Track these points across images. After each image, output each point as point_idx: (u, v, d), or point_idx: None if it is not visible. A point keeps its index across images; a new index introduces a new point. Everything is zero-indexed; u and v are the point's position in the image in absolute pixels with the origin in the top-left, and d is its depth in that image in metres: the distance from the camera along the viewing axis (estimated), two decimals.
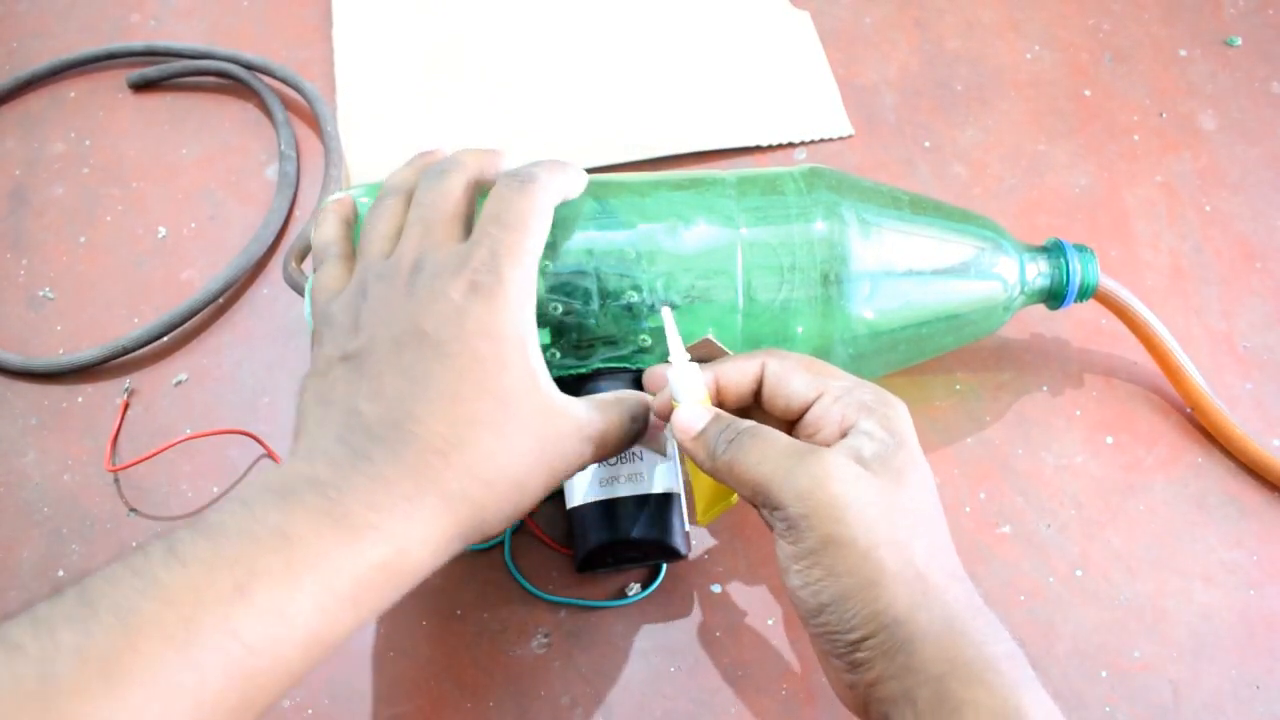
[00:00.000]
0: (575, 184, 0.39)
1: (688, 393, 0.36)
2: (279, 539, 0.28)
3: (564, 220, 0.39)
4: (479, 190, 0.38)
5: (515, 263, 0.34)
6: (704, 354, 0.38)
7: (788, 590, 0.33)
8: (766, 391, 0.36)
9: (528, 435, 0.33)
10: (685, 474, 0.41)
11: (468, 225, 0.36)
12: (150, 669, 0.26)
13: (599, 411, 0.36)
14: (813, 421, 0.35)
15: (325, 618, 0.29)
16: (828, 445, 0.34)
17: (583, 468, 0.37)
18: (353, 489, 0.30)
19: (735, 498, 0.38)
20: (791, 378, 0.36)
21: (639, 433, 0.38)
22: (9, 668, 0.24)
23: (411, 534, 0.31)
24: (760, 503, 0.33)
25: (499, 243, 0.34)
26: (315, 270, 0.39)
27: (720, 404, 0.37)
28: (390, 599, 0.31)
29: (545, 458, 0.34)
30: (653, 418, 0.39)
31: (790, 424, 0.36)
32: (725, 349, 0.39)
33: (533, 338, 0.34)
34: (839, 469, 0.32)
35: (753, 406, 0.38)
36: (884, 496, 0.32)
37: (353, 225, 0.41)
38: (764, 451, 0.33)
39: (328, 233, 0.40)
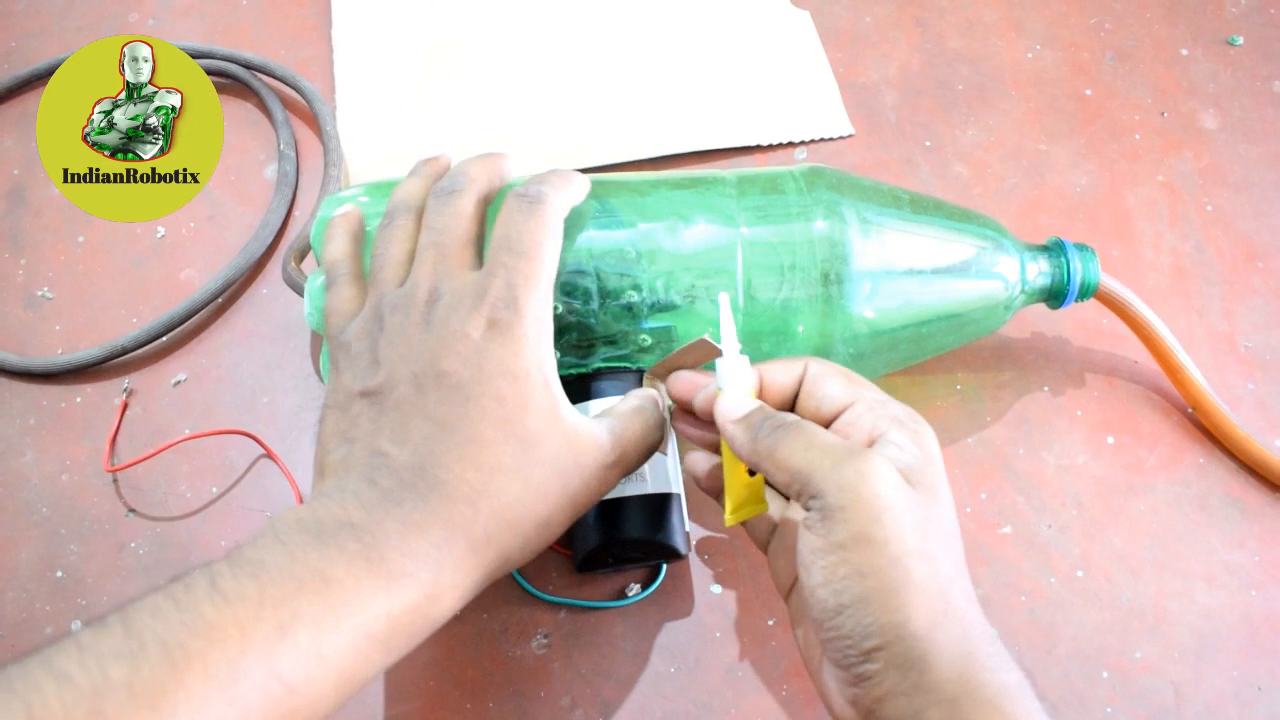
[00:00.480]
0: (580, 193, 0.39)
1: (736, 383, 0.36)
2: (319, 581, 0.29)
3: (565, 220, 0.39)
4: (489, 203, 0.38)
5: (531, 292, 0.34)
6: (699, 355, 0.38)
7: (805, 590, 0.33)
8: (803, 392, 0.36)
9: (552, 476, 0.34)
10: (704, 475, 0.41)
11: (480, 247, 0.37)
12: (197, 707, 0.26)
13: (620, 429, 0.36)
14: (843, 427, 0.35)
15: (359, 658, 0.30)
16: None
17: (605, 494, 0.37)
18: (385, 534, 0.31)
19: (765, 505, 0.38)
20: (828, 382, 0.36)
21: (658, 442, 0.38)
22: (59, 698, 0.25)
23: (442, 580, 0.31)
24: (797, 490, 0.33)
25: (514, 272, 0.34)
26: (327, 290, 0.39)
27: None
28: (417, 641, 0.32)
29: (569, 494, 0.34)
30: (666, 413, 0.38)
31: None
32: (720, 348, 0.39)
33: (552, 369, 0.35)
34: (884, 470, 0.32)
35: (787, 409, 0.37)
36: (919, 508, 0.32)
37: (362, 242, 0.40)
38: (810, 441, 0.33)
39: (337, 250, 0.40)
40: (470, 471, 0.32)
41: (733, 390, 0.36)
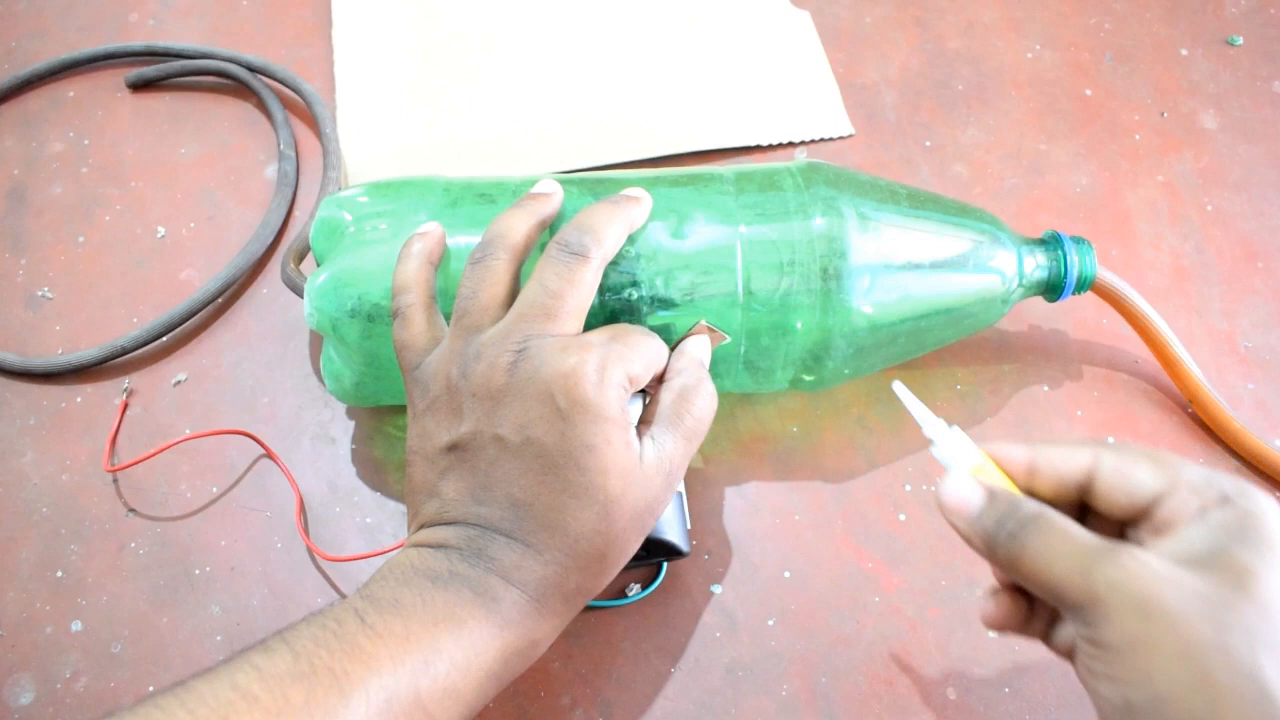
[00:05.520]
0: (640, 219, 0.40)
1: (959, 460, 0.32)
2: (452, 621, 0.33)
3: (566, 217, 0.39)
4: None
5: (619, 369, 0.35)
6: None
7: (1090, 691, 0.29)
8: (1103, 486, 0.32)
9: (632, 524, 0.35)
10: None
11: (583, 315, 0.37)
12: None
13: (673, 441, 0.36)
14: (1164, 519, 0.30)
15: (479, 691, 0.33)
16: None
17: None
18: (492, 586, 0.34)
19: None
20: (1135, 470, 0.31)
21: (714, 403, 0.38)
22: (250, 714, 0.29)
23: (541, 626, 0.35)
24: (1054, 602, 0.30)
25: (609, 353, 0.35)
26: (394, 318, 0.38)
27: (1030, 491, 0.33)
28: (518, 674, 0.35)
29: (644, 529, 0.36)
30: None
31: (1123, 524, 0.32)
32: (722, 334, 0.39)
33: (629, 422, 0.35)
34: (1146, 567, 0.28)
35: (1070, 501, 0.33)
36: (1209, 596, 0.28)
37: (437, 266, 0.39)
38: (1057, 549, 0.30)
39: (409, 275, 0.38)
40: (557, 538, 0.34)
41: (957, 470, 0.32)
